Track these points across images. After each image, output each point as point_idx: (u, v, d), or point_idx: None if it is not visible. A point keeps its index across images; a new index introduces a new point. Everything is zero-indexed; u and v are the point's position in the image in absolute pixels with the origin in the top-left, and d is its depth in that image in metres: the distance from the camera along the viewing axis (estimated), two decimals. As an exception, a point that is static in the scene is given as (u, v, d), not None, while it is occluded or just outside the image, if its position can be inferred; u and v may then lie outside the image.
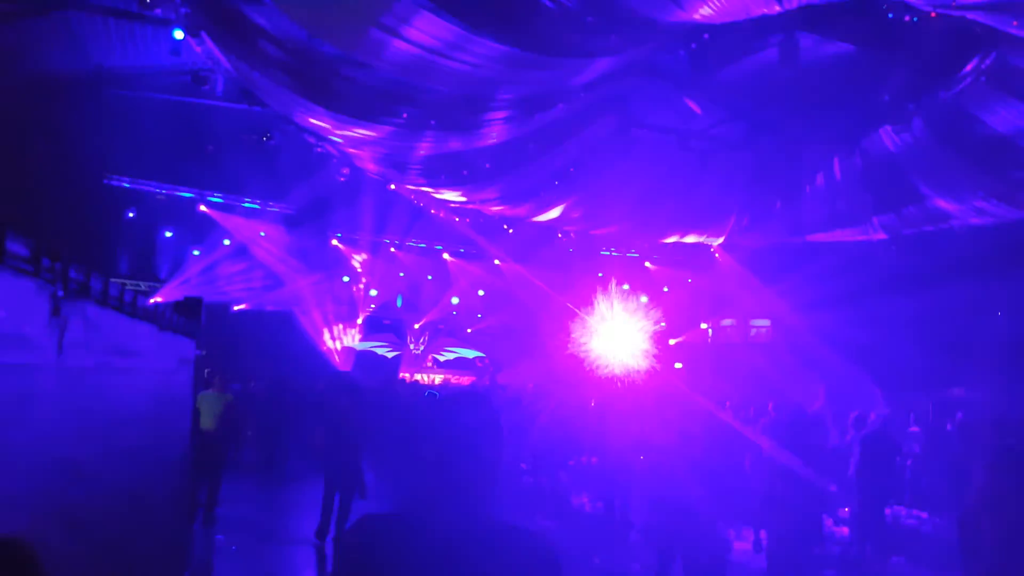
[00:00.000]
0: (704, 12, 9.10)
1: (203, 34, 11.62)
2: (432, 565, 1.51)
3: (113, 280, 11.57)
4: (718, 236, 19.11)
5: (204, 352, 20.29)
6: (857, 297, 16.37)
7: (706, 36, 11.60)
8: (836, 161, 15.05)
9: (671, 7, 8.79)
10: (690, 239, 19.91)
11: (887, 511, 7.47)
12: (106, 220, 18.76)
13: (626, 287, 23.30)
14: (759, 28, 10.83)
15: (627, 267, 23.20)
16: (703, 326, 24.33)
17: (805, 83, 12.21)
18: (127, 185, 19.12)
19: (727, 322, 24.01)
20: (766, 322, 22.58)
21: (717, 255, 21.27)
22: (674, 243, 20.65)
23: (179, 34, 12.13)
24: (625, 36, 9.95)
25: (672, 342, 24.17)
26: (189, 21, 11.68)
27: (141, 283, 20.40)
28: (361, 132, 12.95)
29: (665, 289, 23.70)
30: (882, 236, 16.16)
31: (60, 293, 1.45)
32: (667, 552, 5.42)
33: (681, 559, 5.27)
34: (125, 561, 2.11)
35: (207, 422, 8.15)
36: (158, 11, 12.30)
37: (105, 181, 18.53)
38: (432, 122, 11.87)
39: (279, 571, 6.90)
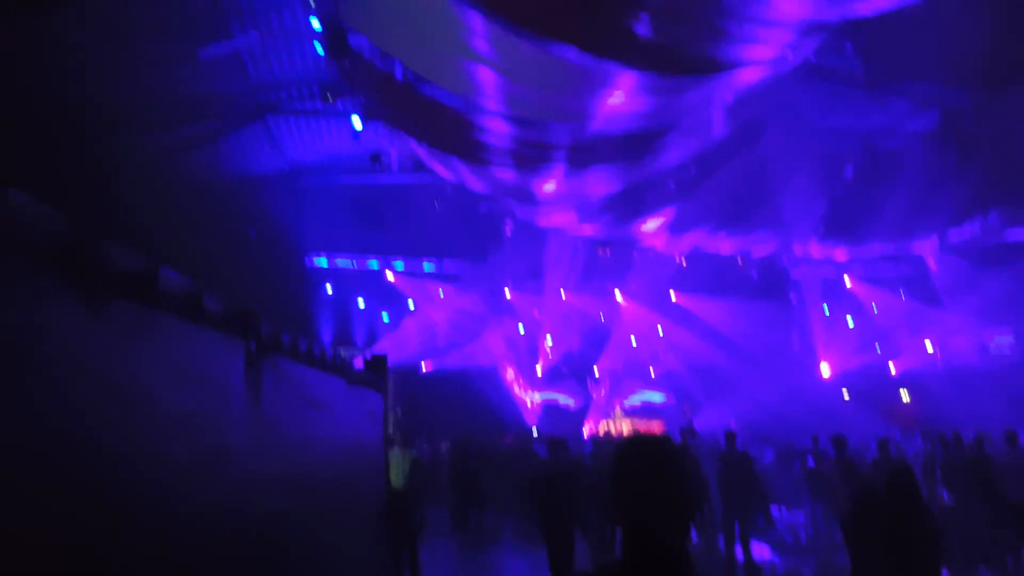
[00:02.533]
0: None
1: (378, 118, 12.75)
2: None
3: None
4: (929, 240, 17.06)
5: (399, 411, 21.61)
6: None
7: (877, 27, 10.74)
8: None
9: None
10: (895, 249, 17.93)
11: None
12: (308, 295, 20.80)
13: (826, 311, 21.31)
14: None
15: (825, 288, 21.02)
16: (928, 347, 20.68)
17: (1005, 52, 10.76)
18: (324, 263, 21.11)
19: (959, 339, 20.16)
20: (1008, 335, 19.03)
21: (933, 263, 18.78)
22: (879, 255, 18.65)
23: (357, 121, 13.35)
24: (773, 39, 9.47)
25: (893, 369, 21.22)
26: (366, 109, 12.86)
27: (341, 350, 22.18)
28: (530, 183, 13.33)
29: (875, 309, 21.11)
30: None
31: (253, 346, 1.61)
32: None
33: None
34: None
35: (395, 480, 8.40)
36: (339, 104, 13.65)
37: (306, 260, 20.61)
38: (595, 162, 11.97)
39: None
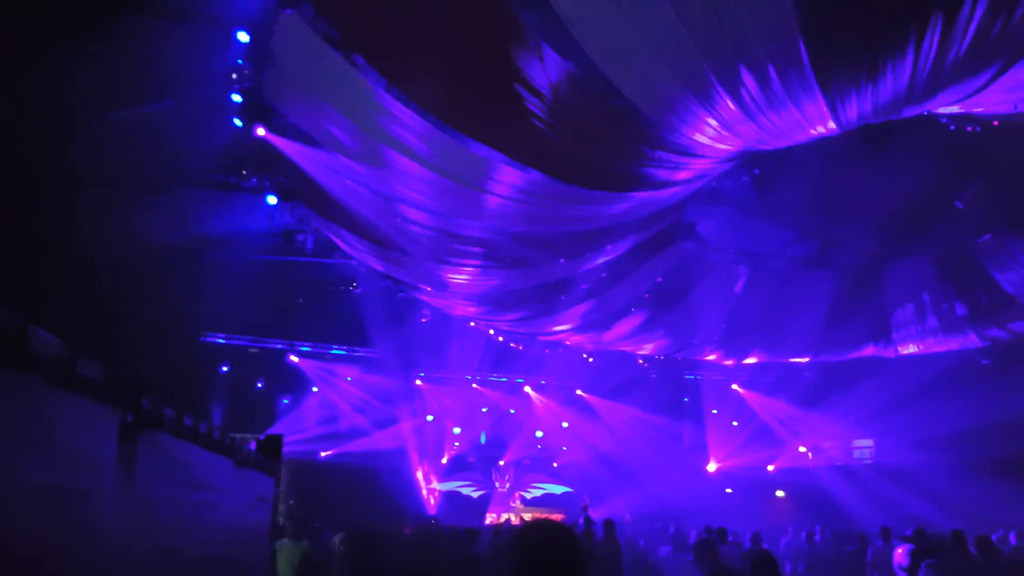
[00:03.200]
0: (756, 141, 9.27)
1: (296, 199, 12.64)
2: None
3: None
4: (806, 355, 18.40)
5: (292, 501, 20.45)
6: (959, 411, 15.27)
7: (770, 162, 11.79)
8: (921, 271, 14.54)
9: (724, 139, 9.01)
10: (776, 359, 19.26)
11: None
12: (202, 375, 19.70)
13: (715, 411, 22.55)
14: (821, 149, 10.90)
15: (716, 390, 22.44)
16: (802, 449, 22.85)
17: (876, 197, 12.09)
18: (222, 341, 20.17)
19: (828, 444, 22.37)
20: (869, 442, 21.02)
21: (807, 374, 20.40)
22: (761, 363, 19.98)
23: (272, 200, 13.19)
24: (690, 168, 10.20)
25: (771, 468, 22.86)
26: (282, 188, 12.75)
27: (236, 434, 20.96)
28: (440, 275, 13.45)
29: (757, 413, 22.75)
30: (979, 344, 15.23)
31: (130, 419, 1.50)
32: None
33: None
34: None
35: (283, 572, 7.94)
36: (254, 180, 13.48)
37: (202, 338, 19.64)
38: (507, 262, 12.23)
39: None
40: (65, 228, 13.50)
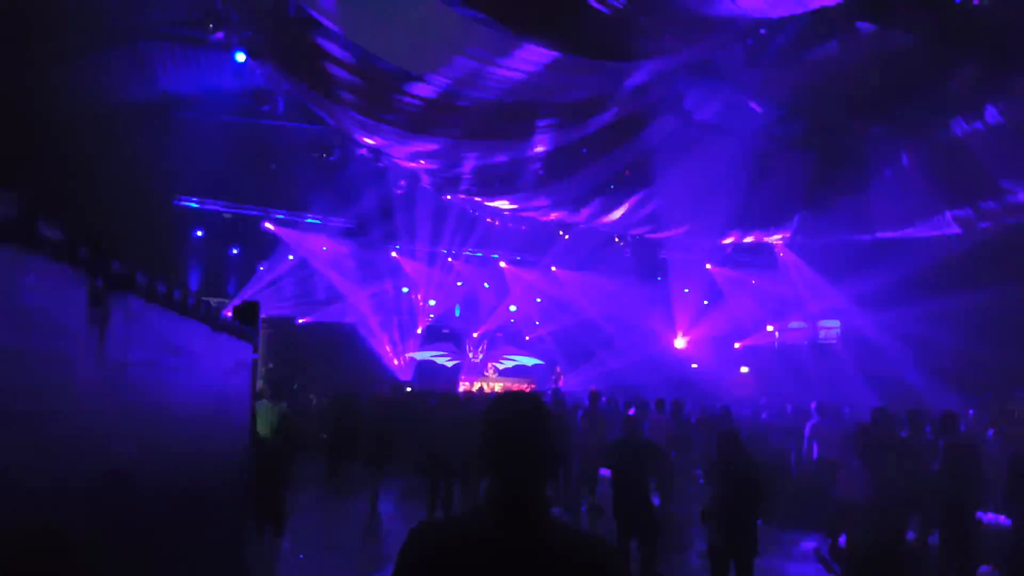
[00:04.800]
0: (757, 5, 8.87)
1: (265, 56, 11.99)
2: (495, 570, 1.49)
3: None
4: (782, 235, 18.59)
5: (271, 365, 20.88)
6: (930, 294, 15.67)
7: (763, 31, 11.35)
8: (904, 155, 14.45)
9: (723, 1, 8.59)
10: (752, 239, 19.43)
11: (974, 518, 7.03)
12: (175, 240, 19.45)
13: (686, 291, 23.03)
14: (818, 21, 10.51)
15: (688, 270, 22.77)
16: (769, 328, 23.61)
17: (868, 77, 11.78)
18: (195, 205, 19.82)
19: (795, 324, 23.10)
20: (835, 323, 21.68)
21: (782, 255, 20.70)
22: (736, 243, 20.18)
23: (241, 57, 12.52)
24: (679, 35, 9.79)
25: (737, 345, 23.69)
26: (251, 44, 12.07)
27: (211, 299, 21.12)
28: (415, 146, 13.12)
29: (727, 292, 23.25)
30: (956, 231, 15.40)
31: (100, 283, 1.46)
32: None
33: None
34: (180, 569, 2.11)
35: (263, 431, 8.24)
36: (220, 35, 12.72)
37: (174, 202, 19.24)
38: (484, 133, 11.91)
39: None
40: (19, 83, 12.81)
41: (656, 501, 7.09)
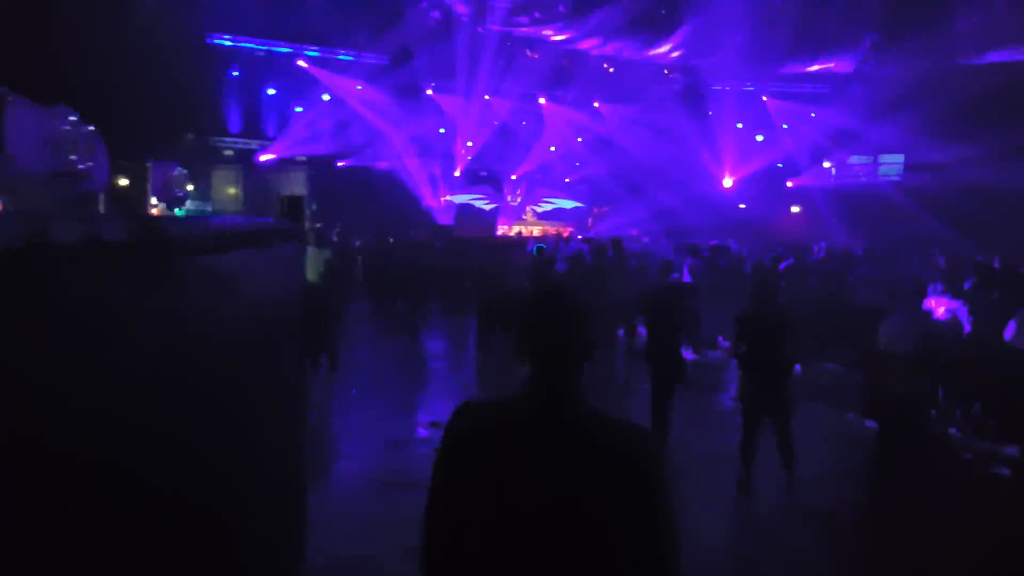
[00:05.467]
0: None
1: None
2: (529, 451, 1.61)
3: (226, 139, 12.01)
4: (848, 63, 17.17)
5: (314, 207, 21.23)
6: (1011, 127, 14.25)
7: None
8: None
9: None
10: (816, 67, 18.03)
11: None
12: (212, 79, 19.25)
13: (739, 125, 21.66)
14: None
15: (742, 102, 21.00)
16: (826, 164, 21.95)
17: None
18: (229, 43, 19.35)
19: (855, 159, 21.30)
20: (899, 157, 19.99)
21: (847, 83, 18.99)
22: (797, 73, 18.72)
23: None
24: None
25: (790, 184, 22.50)
26: None
27: (252, 142, 21.22)
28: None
29: (784, 126, 21.56)
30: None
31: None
32: None
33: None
34: (257, 398, 2.40)
35: (311, 276, 8.64)
36: None
37: (207, 40, 18.81)
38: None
39: (390, 413, 7.51)
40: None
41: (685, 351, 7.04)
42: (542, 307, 1.72)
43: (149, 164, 6.90)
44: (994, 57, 14.56)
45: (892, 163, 20.36)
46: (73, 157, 4.69)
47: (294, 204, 2.99)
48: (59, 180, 4.79)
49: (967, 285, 7.99)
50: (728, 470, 5.62)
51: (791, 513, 5.19)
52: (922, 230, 15.69)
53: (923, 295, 7.03)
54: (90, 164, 4.88)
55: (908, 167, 19.64)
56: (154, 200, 11.17)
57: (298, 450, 3.06)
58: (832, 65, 17.61)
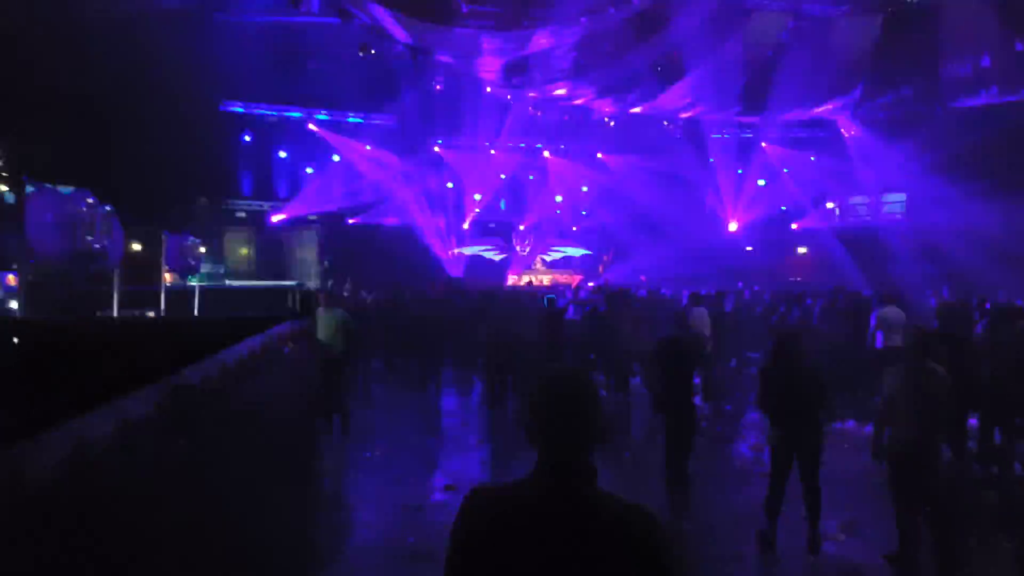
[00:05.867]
0: None
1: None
2: (540, 538, 1.61)
3: (239, 201, 12.32)
4: (845, 107, 17.50)
5: (326, 263, 21.46)
6: (1006, 170, 14.55)
7: None
8: (978, 11, 13.17)
9: None
10: (813, 113, 18.34)
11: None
12: (225, 144, 19.81)
13: (740, 171, 22.08)
14: None
15: (742, 150, 21.68)
16: (829, 205, 22.31)
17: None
18: (241, 110, 19.95)
19: (856, 200, 21.62)
20: (901, 196, 20.11)
21: (843, 128, 19.42)
22: (795, 119, 19.10)
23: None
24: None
25: (795, 226, 22.76)
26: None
27: (265, 203, 21.68)
28: (451, 34, 12.79)
29: (785, 170, 22.07)
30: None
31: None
32: None
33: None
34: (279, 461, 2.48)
35: (324, 337, 8.65)
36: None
37: (220, 107, 19.41)
38: (524, 21, 11.52)
39: (404, 475, 7.49)
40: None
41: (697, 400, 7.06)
42: (553, 390, 1.70)
43: (164, 235, 7.09)
44: (982, 100, 14.86)
45: (895, 201, 20.56)
46: (90, 238, 4.89)
47: (306, 300, 3.10)
48: (76, 259, 4.98)
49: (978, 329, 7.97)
50: (752, 529, 5.54)
51: (818, 571, 5.11)
52: (926, 269, 15.71)
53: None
54: (106, 243, 5.08)
55: (910, 204, 19.80)
56: (166, 268, 11.40)
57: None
58: (829, 108, 17.93)
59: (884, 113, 17.41)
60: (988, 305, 10.12)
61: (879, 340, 9.01)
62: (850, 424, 9.05)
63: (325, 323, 8.92)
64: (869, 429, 8.11)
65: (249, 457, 2.20)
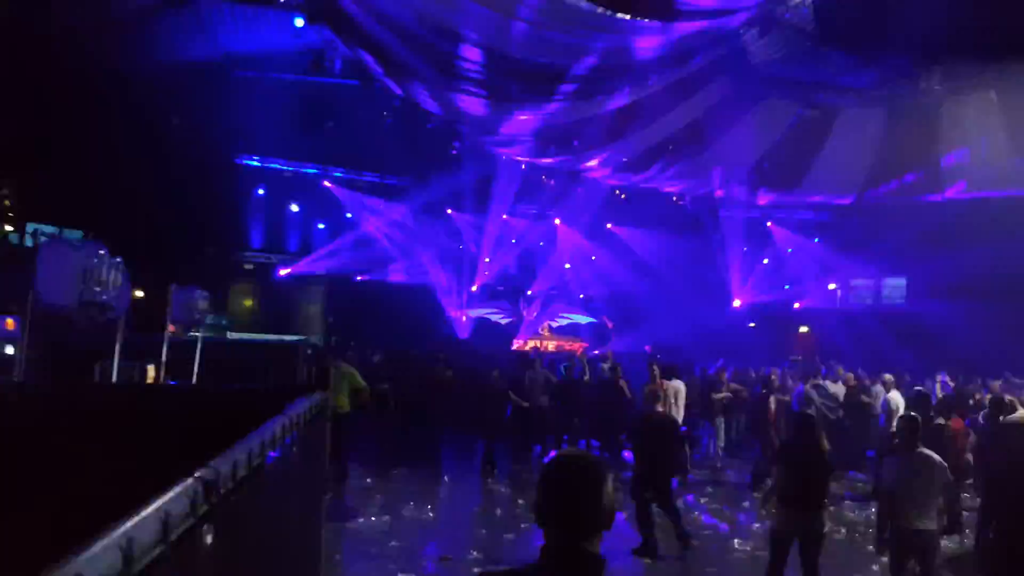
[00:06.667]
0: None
1: (323, 22, 11.97)
2: None
3: (247, 253, 12.33)
4: (849, 194, 17.84)
5: (331, 319, 21.29)
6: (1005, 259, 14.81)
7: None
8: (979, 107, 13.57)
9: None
10: (819, 198, 18.74)
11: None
12: (238, 196, 19.99)
13: (745, 249, 22.44)
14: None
15: (748, 228, 22.10)
16: (831, 287, 22.83)
17: (937, 26, 10.99)
18: (256, 163, 20.20)
19: (858, 282, 22.29)
20: (902, 281, 20.78)
21: (845, 214, 19.97)
22: (800, 201, 19.49)
23: (299, 22, 12.58)
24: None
25: (797, 305, 23.06)
26: (310, 7, 12.06)
27: (273, 256, 21.71)
28: (473, 106, 13.02)
29: (789, 250, 22.57)
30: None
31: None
32: None
33: None
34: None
35: (337, 399, 8.61)
36: (281, -2, 12.76)
37: (236, 160, 19.66)
38: (547, 94, 11.72)
39: (401, 548, 7.23)
40: (84, 47, 13.10)
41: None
42: (562, 474, 1.71)
43: (171, 288, 7.00)
44: (981, 190, 15.14)
45: (896, 285, 20.88)
46: (97, 288, 4.81)
47: (322, 376, 2.97)
48: (82, 309, 4.88)
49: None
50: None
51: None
52: (925, 355, 15.76)
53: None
54: (114, 294, 5.04)
55: (911, 289, 20.04)
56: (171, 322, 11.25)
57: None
58: (836, 195, 18.34)
59: (885, 202, 17.79)
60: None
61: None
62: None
63: (336, 380, 8.86)
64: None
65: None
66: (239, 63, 16.85)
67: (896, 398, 9.78)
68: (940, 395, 10.89)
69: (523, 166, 19.21)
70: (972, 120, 14.01)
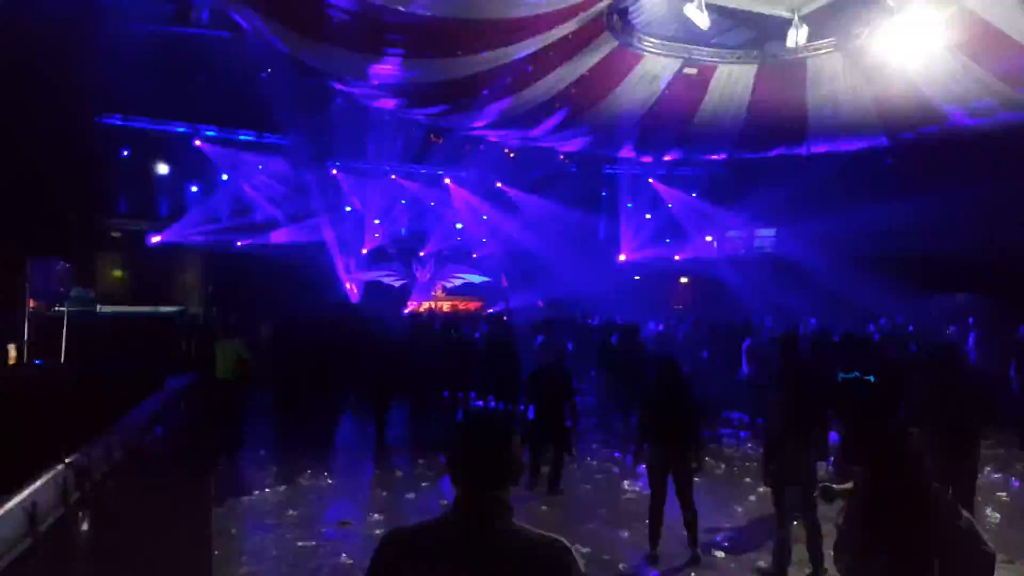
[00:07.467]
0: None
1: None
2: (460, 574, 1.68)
3: (113, 220, 11.53)
4: (722, 152, 18.75)
5: (210, 288, 20.33)
6: (861, 203, 16.18)
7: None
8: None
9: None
10: (695, 156, 19.60)
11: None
12: (101, 159, 18.44)
13: (629, 205, 23.42)
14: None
15: (632, 185, 23.01)
16: (708, 239, 24.22)
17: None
18: (119, 123, 18.69)
19: (732, 234, 23.82)
20: (772, 231, 22.39)
21: (721, 170, 21.11)
22: (677, 159, 20.34)
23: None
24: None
25: (677, 257, 24.19)
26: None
27: (143, 222, 20.25)
28: (352, 61, 12.55)
29: (670, 206, 23.60)
30: (886, 144, 15.93)
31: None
32: None
33: None
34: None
35: (222, 370, 8.35)
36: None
37: (97, 119, 18.09)
38: (427, 51, 11.45)
39: (300, 516, 7.15)
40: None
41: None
42: (470, 431, 1.78)
43: (28, 260, 6.42)
44: (840, 146, 16.35)
45: (766, 235, 22.65)
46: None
47: (203, 348, 2.82)
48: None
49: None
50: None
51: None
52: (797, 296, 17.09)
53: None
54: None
55: (780, 239, 21.83)
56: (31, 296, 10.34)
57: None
58: (710, 156, 19.36)
59: (756, 158, 18.96)
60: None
61: (749, 370, 9.67)
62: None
63: (223, 352, 8.62)
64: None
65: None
66: (98, 14, 15.41)
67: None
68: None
69: (411, 126, 18.82)
70: (829, 77, 14.93)
